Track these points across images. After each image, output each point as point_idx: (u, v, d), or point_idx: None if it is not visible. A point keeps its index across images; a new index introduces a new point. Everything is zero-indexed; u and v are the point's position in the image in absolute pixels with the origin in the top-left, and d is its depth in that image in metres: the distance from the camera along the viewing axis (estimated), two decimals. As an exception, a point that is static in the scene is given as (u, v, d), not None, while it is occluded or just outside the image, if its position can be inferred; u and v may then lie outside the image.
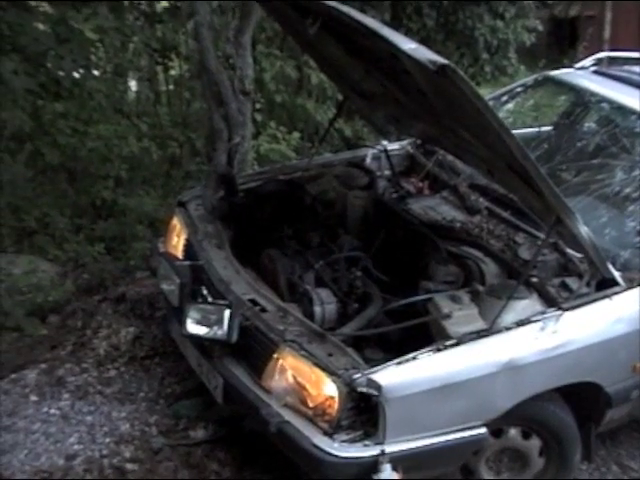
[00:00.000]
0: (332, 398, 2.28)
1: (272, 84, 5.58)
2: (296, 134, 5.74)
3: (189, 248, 3.08)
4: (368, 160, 3.66)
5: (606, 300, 2.56)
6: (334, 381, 2.27)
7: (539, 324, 2.44)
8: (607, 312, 2.58)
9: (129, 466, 2.78)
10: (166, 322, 3.23)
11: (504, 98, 3.92)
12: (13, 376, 3.22)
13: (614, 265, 2.62)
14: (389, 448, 2.25)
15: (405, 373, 2.27)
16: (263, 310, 2.61)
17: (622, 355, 2.63)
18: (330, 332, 2.48)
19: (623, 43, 8.84)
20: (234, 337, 2.52)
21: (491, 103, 2.60)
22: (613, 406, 2.70)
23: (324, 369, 2.31)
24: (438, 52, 1.98)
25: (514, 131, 2.21)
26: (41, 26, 4.33)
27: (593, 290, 2.60)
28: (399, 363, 2.27)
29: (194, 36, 4.56)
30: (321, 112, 5.90)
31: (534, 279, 2.61)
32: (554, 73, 3.87)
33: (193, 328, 2.63)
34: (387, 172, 3.63)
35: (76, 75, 4.49)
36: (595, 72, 3.72)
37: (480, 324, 2.40)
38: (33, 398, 3.11)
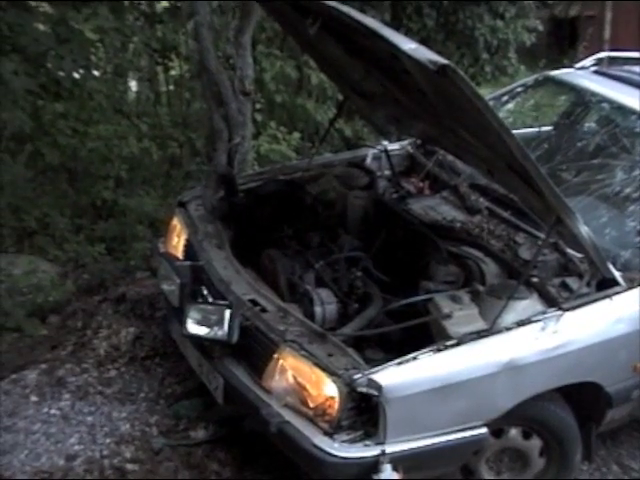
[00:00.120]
0: (332, 398, 2.28)
1: (272, 84, 5.58)
2: (296, 134, 5.74)
3: (189, 248, 3.08)
4: (368, 160, 3.66)
5: (606, 300, 2.56)
6: (334, 381, 2.27)
7: (539, 324, 2.44)
8: (607, 312, 2.58)
9: (129, 466, 2.78)
10: (166, 322, 3.23)
11: (504, 98, 3.92)
12: (13, 376, 3.22)
13: (614, 265, 2.62)
14: (389, 448, 2.25)
15: (405, 373, 2.27)
16: (263, 310, 2.61)
17: (622, 355, 2.63)
18: (330, 332, 2.48)
19: (623, 43, 8.83)
20: (234, 337, 2.52)
21: (491, 103, 2.60)
22: (614, 406, 2.70)
23: (324, 369, 2.31)
24: (438, 52, 1.98)
25: (514, 131, 2.21)
26: (41, 26, 4.33)
27: (593, 290, 2.60)
28: (399, 363, 2.27)
29: (194, 36, 4.56)
30: (321, 112, 5.90)
31: (534, 279, 2.61)
32: (554, 73, 3.87)
33: (193, 328, 2.63)
34: (387, 172, 3.63)
35: (76, 75, 4.49)
36: (595, 72, 3.72)
37: (480, 324, 2.40)
38: (33, 398, 3.11)
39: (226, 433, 2.94)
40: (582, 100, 3.74)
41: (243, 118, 4.14)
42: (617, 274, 2.59)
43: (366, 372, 2.25)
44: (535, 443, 2.65)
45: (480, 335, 2.37)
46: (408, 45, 1.99)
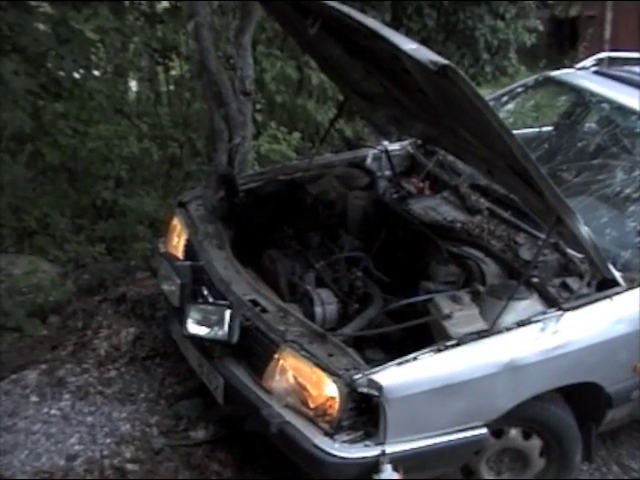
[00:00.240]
0: (333, 398, 2.28)
1: (272, 84, 5.58)
2: (296, 134, 5.74)
3: (190, 248, 3.08)
4: (369, 160, 3.66)
5: (607, 300, 2.56)
6: (335, 381, 2.27)
7: (540, 324, 2.44)
8: (608, 312, 2.58)
9: (130, 467, 2.78)
10: (167, 322, 3.23)
11: (504, 98, 3.92)
12: (14, 377, 3.22)
13: (615, 265, 2.62)
14: (390, 448, 2.25)
15: (406, 373, 2.27)
16: (264, 310, 2.61)
17: (623, 355, 2.63)
18: (331, 332, 2.48)
19: (623, 43, 8.83)
20: (235, 337, 2.52)
21: (491, 103, 2.60)
22: (614, 406, 2.70)
23: (325, 369, 2.31)
24: (438, 52, 1.98)
25: (514, 131, 2.21)
26: (41, 26, 4.33)
27: (594, 290, 2.60)
28: (400, 363, 2.27)
29: (194, 36, 4.55)
30: (322, 112, 5.90)
31: (535, 279, 2.61)
32: (554, 73, 3.87)
33: (194, 328, 2.63)
34: (388, 172, 3.63)
35: (76, 75, 4.49)
36: (596, 72, 3.72)
37: (481, 324, 2.40)
38: (34, 399, 3.11)
39: (226, 433, 2.94)
40: (582, 100, 3.74)
41: (243, 118, 4.14)
42: (617, 274, 2.59)
43: (366, 372, 2.25)
44: (535, 443, 2.65)
45: (480, 335, 2.37)
46: (408, 45, 1.99)
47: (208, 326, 2.59)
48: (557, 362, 2.47)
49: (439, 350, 2.32)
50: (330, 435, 2.28)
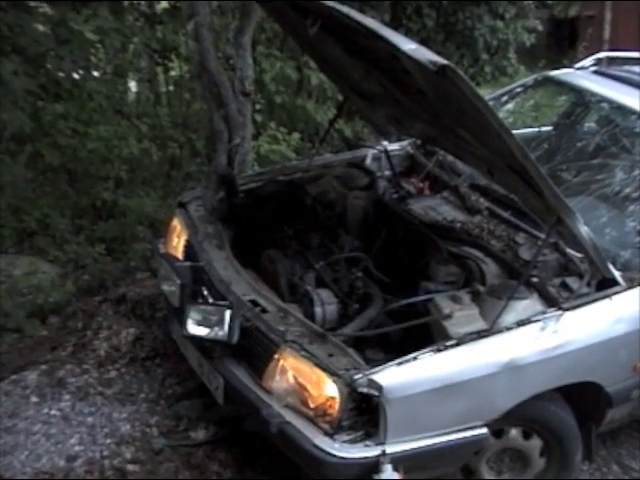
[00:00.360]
0: (333, 399, 2.28)
1: (272, 85, 5.58)
2: (296, 135, 5.74)
3: (189, 249, 3.08)
4: (368, 161, 3.67)
5: (606, 300, 2.56)
6: (335, 382, 2.28)
7: (540, 324, 2.44)
8: (607, 312, 2.58)
9: (130, 467, 2.78)
10: (167, 323, 3.23)
11: (504, 98, 3.92)
12: (14, 377, 3.22)
13: (614, 265, 2.62)
14: (390, 448, 2.25)
15: (406, 373, 2.27)
16: (264, 311, 2.61)
17: (622, 355, 2.63)
18: (331, 333, 2.48)
19: (623, 43, 8.84)
20: (235, 338, 2.52)
21: (491, 103, 2.60)
22: (614, 406, 2.70)
23: (325, 370, 2.31)
24: (438, 52, 1.98)
25: (514, 131, 2.21)
26: (41, 27, 4.33)
27: (593, 290, 2.60)
28: (400, 363, 2.27)
29: (194, 37, 4.56)
30: (321, 113, 5.90)
31: (535, 279, 2.62)
32: (554, 73, 3.87)
33: (194, 329, 2.63)
34: (387, 172, 3.64)
35: (76, 76, 4.49)
36: (595, 72, 3.73)
37: (481, 324, 2.40)
38: (34, 399, 3.11)
39: (227, 434, 2.94)
40: (582, 100, 3.74)
41: (243, 119, 4.14)
42: (617, 274, 2.59)
43: (366, 372, 2.26)
44: (535, 443, 2.65)
45: (480, 335, 2.37)
46: (408, 45, 1.99)
47: (208, 326, 2.59)
48: (557, 362, 2.47)
49: (439, 350, 2.32)
50: (330, 435, 2.28)
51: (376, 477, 2.23)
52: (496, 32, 6.92)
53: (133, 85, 6.04)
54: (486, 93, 4.29)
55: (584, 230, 2.40)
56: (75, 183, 4.94)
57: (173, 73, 6.05)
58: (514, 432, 2.61)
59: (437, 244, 2.89)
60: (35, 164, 4.71)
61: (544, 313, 2.47)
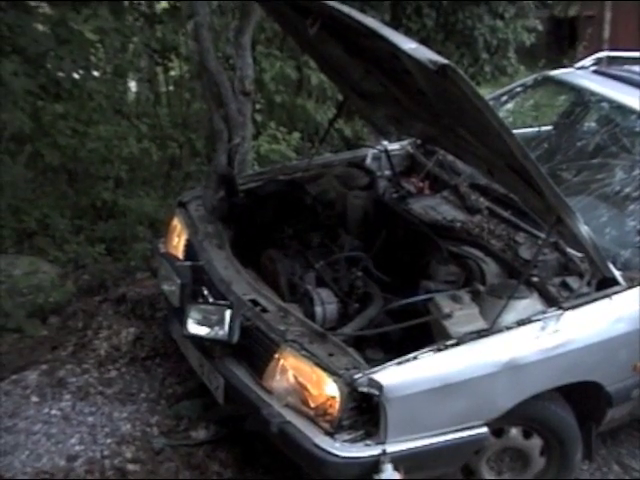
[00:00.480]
0: (333, 398, 2.28)
1: (272, 84, 5.58)
2: (296, 134, 5.74)
3: (190, 248, 3.08)
4: (368, 160, 3.67)
5: (606, 299, 2.56)
6: (335, 381, 2.28)
7: (540, 323, 2.44)
8: (608, 311, 2.58)
9: (130, 467, 2.78)
10: (167, 323, 3.23)
11: (504, 98, 3.92)
12: (14, 377, 3.22)
13: (614, 264, 2.62)
14: (390, 448, 2.25)
15: (406, 373, 2.27)
16: (264, 310, 2.62)
17: (623, 354, 2.63)
18: (331, 332, 2.48)
19: (622, 43, 8.84)
20: (235, 337, 2.52)
21: (491, 103, 2.60)
22: (614, 405, 2.70)
23: (325, 369, 2.31)
24: (438, 52, 1.98)
25: (514, 131, 2.21)
26: (41, 27, 4.34)
27: (594, 289, 2.60)
28: (400, 363, 2.27)
29: (194, 37, 4.55)
30: (321, 112, 5.90)
31: (535, 279, 2.62)
32: (554, 73, 3.87)
33: (194, 328, 2.63)
34: (387, 172, 3.64)
35: (76, 76, 4.49)
36: (595, 72, 3.73)
37: (481, 324, 2.40)
38: (34, 399, 3.11)
39: (227, 433, 2.94)
40: (582, 100, 3.74)
41: (243, 118, 4.14)
42: (617, 273, 2.59)
43: (367, 372, 2.26)
44: (535, 442, 2.65)
45: (480, 335, 2.37)
46: (408, 45, 1.99)
47: (208, 326, 2.59)
48: (557, 361, 2.47)
49: (439, 349, 2.32)
50: (331, 434, 2.28)
51: (376, 477, 2.22)
52: (496, 32, 6.93)
53: (133, 85, 6.04)
54: (486, 93, 4.29)
55: (584, 229, 2.41)
56: (75, 183, 4.94)
57: (173, 73, 6.05)
58: (514, 431, 2.61)
59: (437, 243, 2.89)
60: (35, 164, 4.71)
61: (544, 312, 2.47)
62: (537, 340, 2.43)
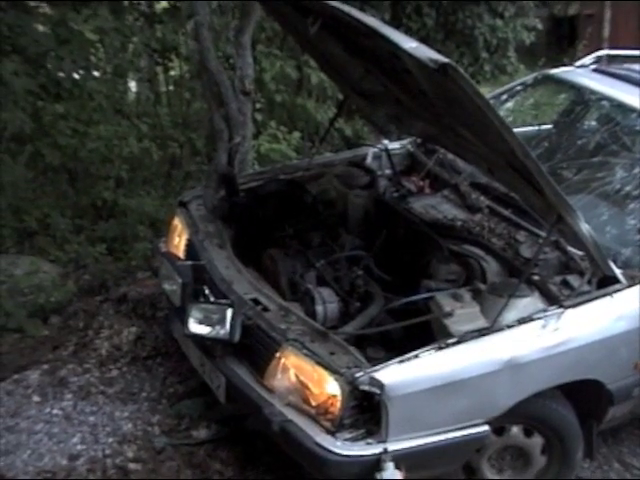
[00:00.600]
0: (335, 397, 2.29)
1: (272, 84, 5.58)
2: (296, 134, 5.74)
3: (191, 248, 3.08)
4: (369, 159, 3.67)
5: (607, 298, 2.57)
6: (336, 380, 2.28)
7: (541, 322, 2.44)
8: (608, 310, 2.58)
9: (132, 466, 2.78)
10: (168, 322, 3.23)
11: (504, 97, 3.92)
12: (15, 377, 3.22)
13: (615, 263, 2.62)
14: (392, 446, 2.25)
15: (407, 371, 2.27)
16: (265, 309, 2.62)
17: (623, 353, 2.64)
18: (332, 331, 2.48)
19: (622, 41, 8.85)
20: (236, 336, 2.53)
21: (491, 102, 2.60)
22: (615, 403, 2.70)
23: (326, 368, 2.32)
24: (438, 51, 1.98)
25: (514, 130, 2.21)
26: (41, 27, 4.34)
27: (594, 288, 2.60)
28: (401, 361, 2.28)
29: (194, 36, 4.56)
30: (321, 112, 5.90)
31: (535, 277, 2.62)
32: (554, 71, 3.87)
33: (195, 328, 2.63)
34: (388, 171, 3.64)
35: (76, 76, 4.50)
36: (595, 70, 3.73)
37: (482, 322, 2.40)
38: (35, 399, 3.12)
39: (228, 432, 2.94)
40: (582, 98, 3.74)
41: (243, 118, 4.14)
42: (618, 272, 2.59)
43: (368, 370, 2.26)
44: (537, 441, 2.66)
45: (481, 333, 2.37)
46: (409, 44, 2.00)
47: (210, 325, 2.59)
48: (558, 359, 2.47)
49: (440, 348, 2.32)
50: (332, 433, 2.28)
51: (378, 475, 2.22)
52: (496, 31, 6.94)
53: (133, 85, 6.04)
54: (486, 92, 4.27)
55: (585, 228, 2.41)
56: (75, 183, 4.94)
57: (173, 73, 6.05)
58: (515, 430, 2.61)
59: (438, 242, 2.89)
60: (35, 164, 4.71)
61: (545, 311, 2.47)
62: (538, 338, 2.43)
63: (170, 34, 5.43)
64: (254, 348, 2.56)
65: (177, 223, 3.27)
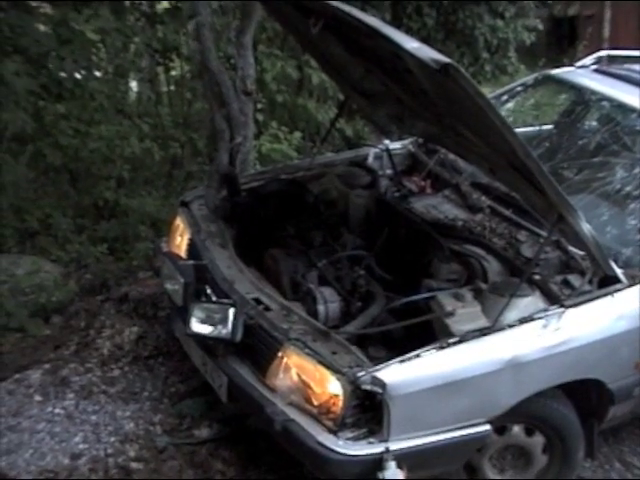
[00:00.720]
0: (336, 396, 2.29)
1: (273, 84, 5.59)
2: (297, 134, 5.75)
3: (192, 248, 3.09)
4: (370, 159, 3.67)
5: (608, 297, 2.57)
6: (338, 379, 2.28)
7: (542, 321, 2.45)
8: (609, 309, 2.58)
9: (134, 465, 2.79)
10: (170, 321, 3.24)
11: (504, 97, 3.93)
12: (17, 376, 3.23)
13: (616, 262, 2.62)
14: (393, 446, 2.26)
15: (409, 371, 2.28)
16: (267, 309, 2.62)
17: (624, 352, 2.64)
18: (334, 330, 2.48)
19: (622, 42, 8.85)
20: (238, 336, 2.53)
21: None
22: (616, 403, 2.71)
23: (328, 367, 2.32)
24: (439, 51, 1.98)
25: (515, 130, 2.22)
26: (42, 27, 4.34)
27: (595, 287, 2.60)
28: (403, 361, 2.28)
29: (195, 36, 4.56)
30: (322, 112, 5.91)
31: (537, 277, 2.62)
32: (554, 72, 3.87)
33: (197, 327, 2.63)
34: (389, 171, 3.64)
35: (77, 76, 4.50)
36: (595, 70, 3.73)
37: (483, 322, 2.41)
38: (37, 398, 3.12)
39: (230, 432, 2.95)
40: (582, 99, 3.75)
41: (245, 118, 4.15)
42: (619, 271, 2.60)
43: (370, 370, 2.26)
44: (538, 440, 2.66)
45: (483, 333, 2.37)
46: (410, 44, 2.00)
47: (212, 325, 2.59)
48: (559, 359, 2.47)
49: (442, 347, 2.33)
50: (334, 432, 2.28)
51: (380, 475, 2.23)
52: (496, 31, 6.94)
53: (134, 85, 6.04)
54: (486, 92, 4.25)
55: (586, 228, 2.41)
56: (77, 183, 4.95)
57: (174, 73, 6.05)
58: (517, 429, 2.61)
59: (439, 242, 2.90)
60: (37, 164, 4.71)
61: (546, 310, 2.47)
62: (539, 338, 2.43)
63: (171, 34, 5.44)
64: (256, 348, 2.56)
65: (179, 223, 3.28)
